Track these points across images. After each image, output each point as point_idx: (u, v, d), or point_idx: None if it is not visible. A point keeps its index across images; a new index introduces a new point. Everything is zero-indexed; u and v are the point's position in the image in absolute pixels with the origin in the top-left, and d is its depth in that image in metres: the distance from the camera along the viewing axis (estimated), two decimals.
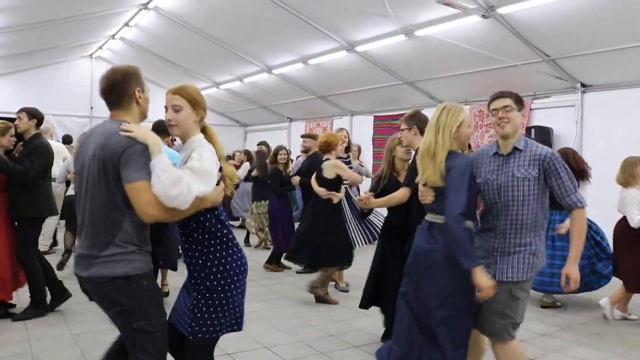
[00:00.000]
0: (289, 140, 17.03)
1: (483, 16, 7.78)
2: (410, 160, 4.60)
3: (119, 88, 2.64)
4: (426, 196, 3.35)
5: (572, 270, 3.18)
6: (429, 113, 11.59)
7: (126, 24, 12.72)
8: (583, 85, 9.05)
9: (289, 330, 5.14)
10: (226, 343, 4.68)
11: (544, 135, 8.97)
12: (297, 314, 5.73)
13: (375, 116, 13.44)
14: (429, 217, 3.38)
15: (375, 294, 4.77)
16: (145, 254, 2.58)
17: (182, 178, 2.42)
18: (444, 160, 3.19)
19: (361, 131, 13.99)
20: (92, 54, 16.39)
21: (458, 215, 3.05)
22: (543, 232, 3.27)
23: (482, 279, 3.03)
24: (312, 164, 7.04)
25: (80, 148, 2.68)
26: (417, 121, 4.52)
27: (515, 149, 3.24)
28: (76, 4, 10.18)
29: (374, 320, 5.32)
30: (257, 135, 18.47)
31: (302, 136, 8.20)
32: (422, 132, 4.35)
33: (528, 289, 3.27)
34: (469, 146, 10.55)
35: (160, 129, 4.42)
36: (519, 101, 3.35)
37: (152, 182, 2.39)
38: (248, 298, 6.20)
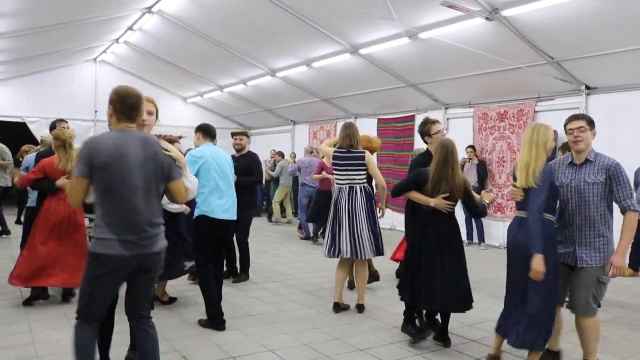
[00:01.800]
0: (293, 143, 17.05)
1: (487, 18, 7.78)
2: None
3: (140, 108, 3.24)
4: (516, 195, 4.03)
5: (617, 259, 3.88)
6: (433, 115, 11.72)
7: (130, 28, 12.74)
8: (587, 87, 9.04)
9: (294, 334, 5.13)
10: (231, 346, 4.69)
11: None
12: (302, 317, 5.71)
13: (379, 119, 13.44)
14: (520, 213, 4.07)
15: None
16: None
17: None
18: (537, 170, 3.91)
19: (365, 134, 13.98)
20: (96, 58, 16.44)
21: (535, 211, 3.83)
22: (609, 228, 3.98)
23: (538, 264, 3.75)
24: (252, 162, 7.52)
25: (114, 149, 3.07)
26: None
27: (587, 160, 4.09)
28: (80, 8, 10.19)
29: (379, 323, 5.31)
30: (261, 138, 18.49)
31: (235, 134, 7.86)
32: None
33: (608, 273, 3.96)
34: (474, 148, 10.62)
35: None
36: (590, 122, 4.20)
37: (184, 182, 3.42)
38: (252, 302, 6.25)
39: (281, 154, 14.85)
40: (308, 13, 9.51)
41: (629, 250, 7.90)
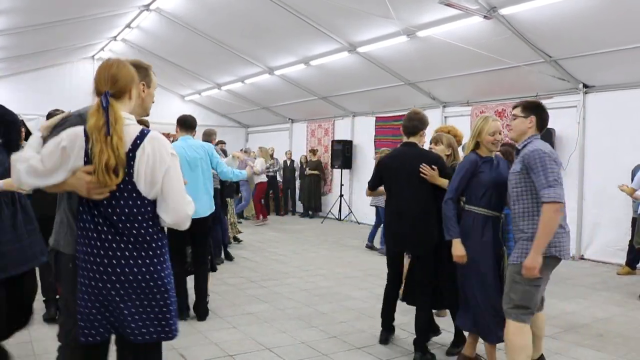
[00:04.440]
0: (291, 141, 17.05)
1: (485, 17, 7.78)
2: None
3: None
4: None
5: (528, 259, 3.43)
6: (431, 114, 11.65)
7: (128, 26, 12.72)
8: (585, 86, 9.05)
9: (291, 332, 5.13)
10: (228, 344, 4.69)
11: (546, 136, 8.89)
12: (299, 315, 5.72)
13: (377, 117, 13.45)
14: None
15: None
16: None
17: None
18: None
19: (363, 132, 14.01)
20: (93, 56, 16.38)
21: (447, 199, 4.02)
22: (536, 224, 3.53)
23: (455, 248, 3.94)
24: None
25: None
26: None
27: (517, 150, 3.77)
28: (78, 6, 10.17)
29: (376, 321, 5.31)
30: (258, 136, 18.49)
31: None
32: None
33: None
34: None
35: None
36: (525, 108, 3.73)
37: None
38: (249, 300, 6.25)
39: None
40: (306, 11, 9.50)
41: (626, 249, 7.97)
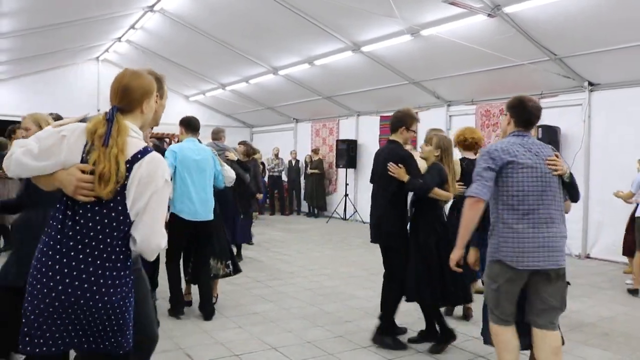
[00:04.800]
0: (295, 141, 17.06)
1: (489, 15, 7.77)
2: None
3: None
4: None
5: (453, 253, 3.52)
6: (435, 113, 11.63)
7: (132, 27, 12.75)
8: (590, 84, 9.02)
9: (297, 331, 5.14)
10: (234, 344, 4.70)
11: (551, 134, 8.94)
12: (304, 315, 5.72)
13: (381, 116, 13.45)
14: None
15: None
16: None
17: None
18: None
19: (367, 131, 14.01)
20: (98, 57, 16.44)
21: None
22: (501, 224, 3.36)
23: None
24: None
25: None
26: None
27: None
28: (82, 8, 10.20)
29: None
30: (263, 136, 18.50)
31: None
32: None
33: (492, 275, 3.41)
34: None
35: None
36: (506, 106, 3.66)
37: None
38: (255, 299, 6.26)
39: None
40: (310, 11, 9.50)
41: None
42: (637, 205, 6.90)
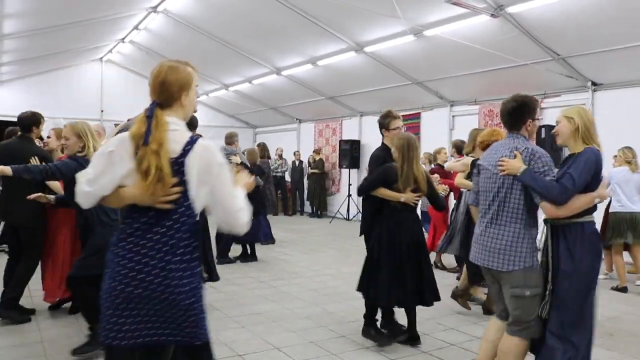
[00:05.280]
0: (299, 141, 17.07)
1: (492, 15, 7.76)
2: None
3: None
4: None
5: None
6: (438, 113, 11.61)
7: (136, 27, 12.78)
8: (594, 83, 9.01)
9: (300, 331, 5.14)
10: (237, 344, 4.70)
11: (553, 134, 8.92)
12: (308, 315, 5.73)
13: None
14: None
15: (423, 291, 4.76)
16: None
17: None
18: None
19: (370, 131, 13.99)
20: (102, 58, 16.47)
21: None
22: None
23: None
24: None
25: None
26: None
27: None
28: (86, 9, 10.23)
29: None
30: (266, 136, 18.51)
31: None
32: None
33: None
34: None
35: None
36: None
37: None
38: (258, 299, 6.26)
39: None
40: (313, 11, 9.51)
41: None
42: (610, 200, 6.97)
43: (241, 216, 2.37)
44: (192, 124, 5.68)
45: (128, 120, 5.31)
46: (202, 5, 10.59)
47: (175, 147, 2.29)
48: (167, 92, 2.37)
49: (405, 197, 4.66)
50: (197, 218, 2.40)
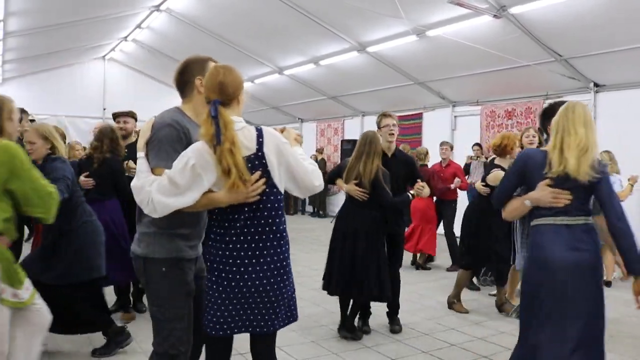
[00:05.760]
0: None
1: (495, 16, 7.77)
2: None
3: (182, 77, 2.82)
4: (562, 198, 2.96)
5: None
6: (440, 113, 11.58)
7: (138, 26, 12.82)
8: (596, 85, 9.01)
9: (301, 331, 5.15)
10: (240, 343, 4.67)
11: None
12: (308, 314, 5.73)
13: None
14: (564, 219, 3.00)
15: (350, 283, 4.90)
16: (168, 238, 2.59)
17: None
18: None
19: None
20: (104, 56, 16.52)
21: (624, 216, 2.97)
22: None
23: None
24: None
25: None
26: None
27: None
28: (89, 7, 10.26)
29: (384, 319, 5.32)
30: None
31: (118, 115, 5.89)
32: None
33: None
34: (480, 146, 10.55)
35: None
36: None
37: None
38: None
39: None
40: (316, 11, 9.52)
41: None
42: None
43: (315, 176, 2.59)
44: None
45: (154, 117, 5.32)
46: (205, 4, 10.61)
47: (249, 145, 2.42)
48: (226, 92, 2.44)
49: (347, 187, 4.93)
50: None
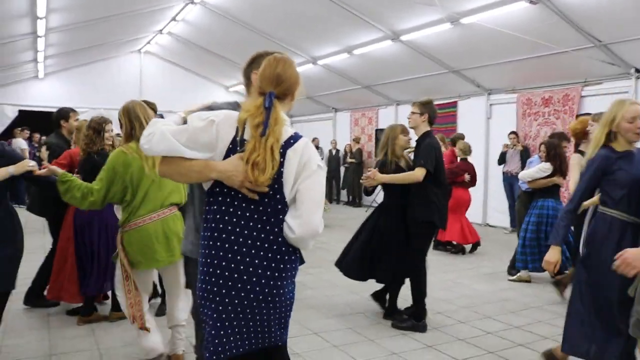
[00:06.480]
0: (334, 130, 17.11)
1: (531, 2, 7.66)
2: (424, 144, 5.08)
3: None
4: None
5: None
6: (475, 102, 11.44)
7: (173, 19, 12.99)
8: (637, 70, 8.80)
9: (338, 318, 5.21)
10: None
11: None
12: (346, 302, 5.79)
13: (416, 105, 13.34)
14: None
15: (371, 267, 5.12)
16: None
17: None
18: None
19: (406, 120, 13.92)
20: (140, 49, 16.79)
21: (568, 210, 3.51)
22: None
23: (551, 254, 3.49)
24: None
25: None
26: (430, 110, 5.22)
27: None
28: (126, 2, 10.46)
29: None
30: (302, 126, 18.59)
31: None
32: (430, 121, 5.21)
33: None
34: (517, 135, 10.43)
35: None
36: None
37: None
38: (297, 286, 6.32)
39: None
40: (349, 0, 9.51)
41: None
42: None
43: (318, 227, 2.24)
44: None
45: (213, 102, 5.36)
46: None
47: (281, 140, 2.23)
48: (283, 85, 2.31)
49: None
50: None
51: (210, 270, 2.22)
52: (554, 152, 6.42)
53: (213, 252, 2.22)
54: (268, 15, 11.31)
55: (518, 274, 6.80)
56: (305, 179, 2.22)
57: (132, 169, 3.65)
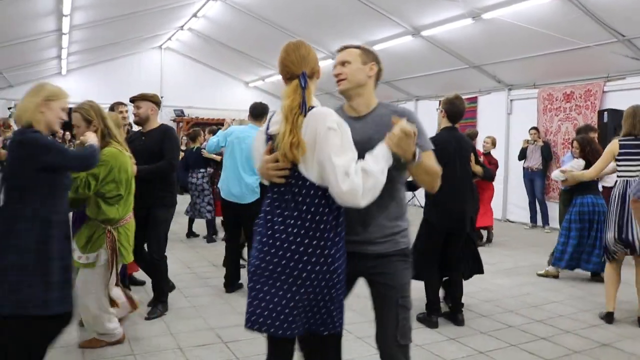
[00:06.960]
0: None
1: None
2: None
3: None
4: None
5: None
6: (496, 97, 11.38)
7: (194, 15, 13.11)
8: None
9: (361, 310, 5.23)
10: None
11: (617, 119, 8.67)
12: (368, 295, 5.81)
13: (440, 101, 13.33)
14: None
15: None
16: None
17: None
18: None
19: (427, 116, 13.92)
20: (161, 45, 16.95)
21: None
22: None
23: None
24: (165, 139, 5.45)
25: None
26: (447, 106, 5.29)
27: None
28: None
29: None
30: None
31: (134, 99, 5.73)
32: (450, 118, 5.21)
33: None
34: (538, 130, 10.40)
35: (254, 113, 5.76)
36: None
37: None
38: None
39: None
40: None
41: None
42: None
43: (344, 185, 2.15)
44: (263, 111, 5.81)
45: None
46: None
47: None
48: (310, 65, 2.43)
49: None
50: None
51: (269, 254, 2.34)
52: (590, 148, 6.15)
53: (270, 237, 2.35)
54: (288, 11, 11.36)
55: (546, 269, 6.77)
56: (320, 151, 2.22)
57: (127, 166, 4.01)
